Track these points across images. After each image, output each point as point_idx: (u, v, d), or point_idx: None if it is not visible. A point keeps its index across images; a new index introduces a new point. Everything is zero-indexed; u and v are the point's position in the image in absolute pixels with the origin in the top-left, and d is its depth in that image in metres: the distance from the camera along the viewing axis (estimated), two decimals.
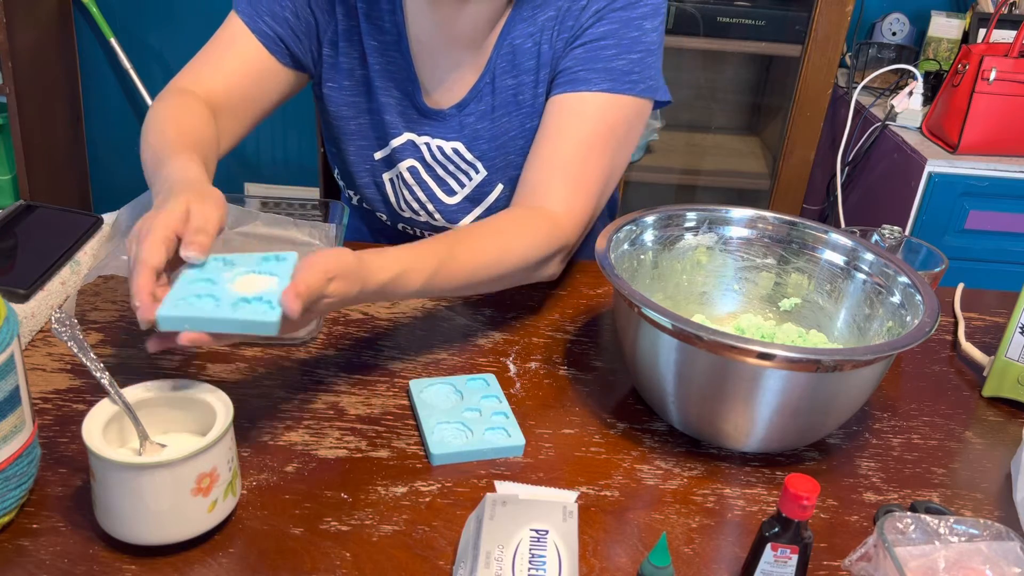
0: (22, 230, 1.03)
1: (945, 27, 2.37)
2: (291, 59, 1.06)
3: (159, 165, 0.86)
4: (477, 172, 1.11)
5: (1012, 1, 2.28)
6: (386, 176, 1.15)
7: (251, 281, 0.72)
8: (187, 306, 0.68)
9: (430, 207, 1.15)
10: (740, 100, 2.77)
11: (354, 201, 1.23)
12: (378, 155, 1.13)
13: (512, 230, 0.95)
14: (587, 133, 1.01)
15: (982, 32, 2.23)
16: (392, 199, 1.16)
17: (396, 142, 1.11)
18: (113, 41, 2.50)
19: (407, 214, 1.17)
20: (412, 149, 1.11)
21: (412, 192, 1.14)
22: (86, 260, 1.02)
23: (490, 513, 0.68)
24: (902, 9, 2.44)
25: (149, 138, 0.93)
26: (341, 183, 1.24)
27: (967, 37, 2.31)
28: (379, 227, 1.24)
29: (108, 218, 1.07)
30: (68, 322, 0.72)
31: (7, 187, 2.43)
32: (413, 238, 1.20)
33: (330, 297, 0.75)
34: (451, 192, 1.14)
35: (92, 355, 0.71)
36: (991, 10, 2.27)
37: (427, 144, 1.11)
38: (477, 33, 1.05)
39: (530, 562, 0.64)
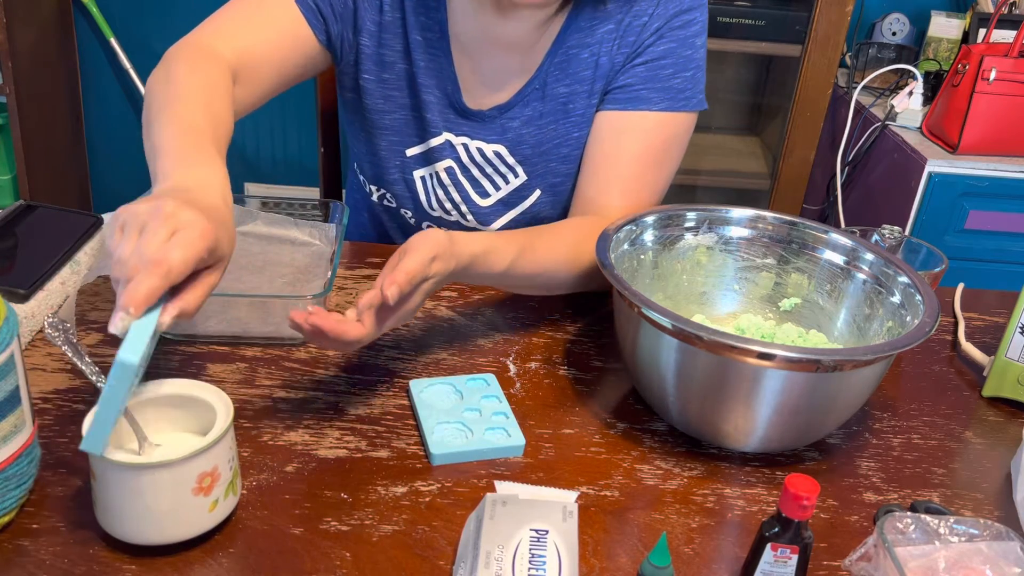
0: (22, 230, 1.03)
1: (945, 27, 2.37)
2: (326, 37, 1.04)
3: (181, 150, 0.79)
4: (516, 176, 1.12)
5: (1012, 1, 2.28)
6: (417, 173, 1.14)
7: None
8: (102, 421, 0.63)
9: (463, 208, 1.15)
10: (740, 100, 2.77)
11: (375, 197, 1.21)
12: (411, 152, 1.13)
13: (585, 235, 0.96)
14: (645, 150, 1.05)
15: (982, 32, 2.23)
16: (422, 197, 1.16)
17: (435, 141, 1.11)
18: (113, 41, 2.50)
19: (436, 213, 1.17)
20: (450, 149, 1.11)
21: (446, 191, 1.14)
22: (86, 260, 1.01)
23: (490, 513, 0.68)
24: (902, 9, 2.44)
25: (168, 106, 0.84)
26: (362, 177, 1.23)
27: (967, 37, 2.31)
28: (401, 224, 1.23)
29: (108, 218, 1.07)
30: (61, 327, 0.72)
31: (7, 187, 2.43)
32: None
33: (433, 277, 0.79)
34: (485, 194, 1.14)
35: (87, 359, 0.71)
36: (991, 10, 2.27)
37: (464, 145, 1.10)
38: (524, 38, 1.05)
39: (530, 562, 0.64)
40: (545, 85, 1.07)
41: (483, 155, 1.11)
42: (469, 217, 1.16)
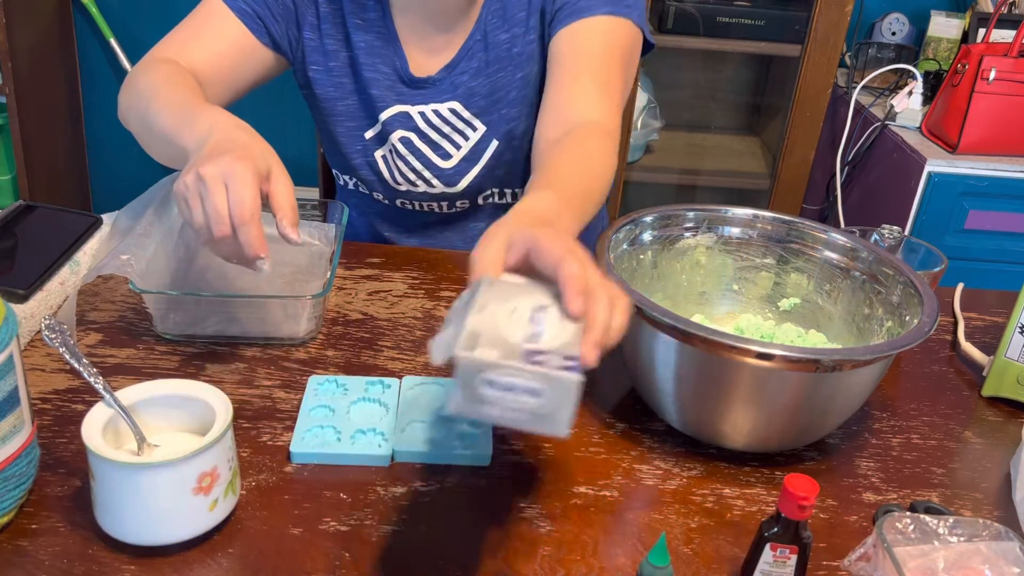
0: (22, 230, 1.03)
1: (945, 27, 2.37)
2: (270, 39, 1.09)
3: (194, 108, 0.89)
4: (474, 130, 1.13)
5: (1012, 1, 2.28)
6: (378, 153, 1.16)
7: (365, 410, 0.84)
8: (314, 440, 0.79)
9: (427, 174, 1.16)
10: (740, 100, 2.77)
11: (350, 186, 1.24)
12: (368, 134, 1.15)
13: (595, 153, 0.94)
14: (602, 48, 1.05)
15: (982, 32, 2.23)
16: (387, 175, 1.17)
17: (384, 115, 1.13)
18: (113, 41, 2.50)
19: (404, 187, 1.18)
20: (404, 120, 1.13)
21: (407, 163, 1.15)
22: (86, 260, 1.02)
23: (488, 282, 0.63)
24: (902, 9, 2.44)
25: (162, 91, 0.94)
26: (335, 170, 1.25)
27: (967, 37, 2.31)
28: (377, 209, 1.25)
29: (108, 218, 1.07)
30: (59, 328, 0.72)
31: (7, 187, 2.43)
32: (411, 214, 1.22)
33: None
34: (447, 156, 1.15)
35: (85, 360, 0.71)
36: (991, 10, 2.27)
37: (421, 113, 1.12)
38: None
39: (530, 320, 0.58)
40: (486, 35, 1.09)
41: (440, 116, 1.12)
42: (435, 182, 1.16)
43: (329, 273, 0.95)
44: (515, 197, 1.20)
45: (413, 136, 1.13)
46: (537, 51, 1.11)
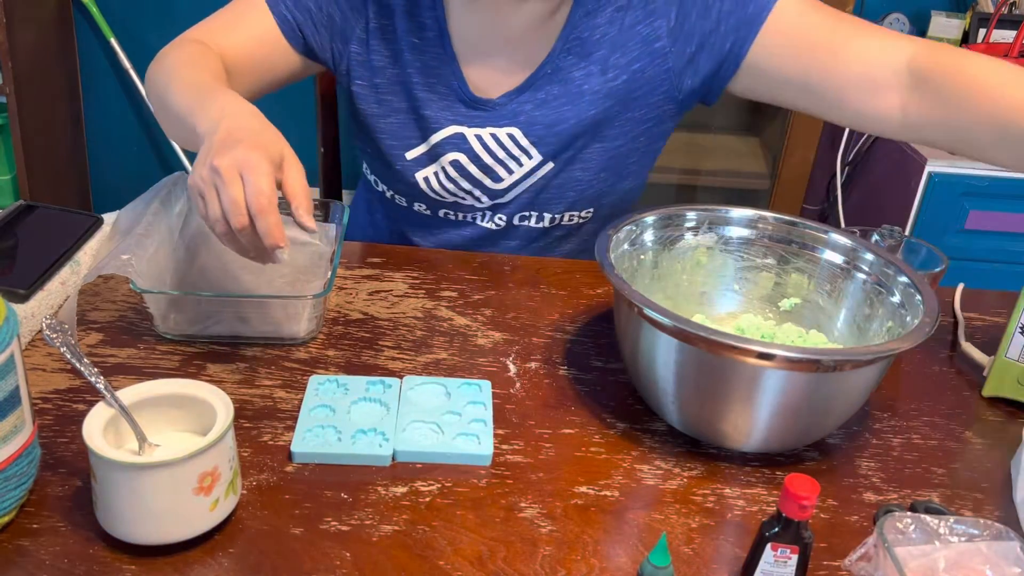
0: (22, 230, 1.03)
1: (945, 27, 2.37)
2: (304, 47, 1.08)
3: (209, 91, 0.89)
4: (530, 158, 1.12)
5: (1012, 1, 2.28)
6: (420, 175, 1.14)
7: (365, 410, 0.84)
8: (315, 440, 0.79)
9: (476, 192, 1.15)
10: (740, 100, 2.76)
11: (387, 194, 1.22)
12: (411, 154, 1.13)
13: (994, 71, 0.94)
14: (817, 15, 1.03)
15: (982, 32, 2.23)
16: (429, 194, 1.16)
17: (437, 137, 1.11)
18: (113, 41, 2.50)
19: (451, 199, 1.16)
20: (459, 141, 1.11)
21: (456, 184, 1.14)
22: (86, 260, 1.01)
23: None
24: (902, 9, 2.44)
25: (181, 71, 0.95)
26: (373, 176, 1.23)
27: (967, 37, 2.31)
28: (418, 219, 1.22)
29: (108, 218, 1.07)
30: (60, 328, 0.72)
31: (7, 187, 2.43)
32: (456, 223, 1.20)
33: None
34: (498, 179, 1.14)
35: (86, 360, 0.71)
36: (991, 10, 2.27)
37: (478, 135, 1.11)
38: (531, 28, 1.06)
39: None
40: (558, 70, 1.08)
41: (497, 140, 1.11)
42: (483, 199, 1.15)
43: (329, 273, 0.95)
44: (552, 222, 1.18)
45: (464, 158, 1.12)
46: (624, 91, 1.09)
